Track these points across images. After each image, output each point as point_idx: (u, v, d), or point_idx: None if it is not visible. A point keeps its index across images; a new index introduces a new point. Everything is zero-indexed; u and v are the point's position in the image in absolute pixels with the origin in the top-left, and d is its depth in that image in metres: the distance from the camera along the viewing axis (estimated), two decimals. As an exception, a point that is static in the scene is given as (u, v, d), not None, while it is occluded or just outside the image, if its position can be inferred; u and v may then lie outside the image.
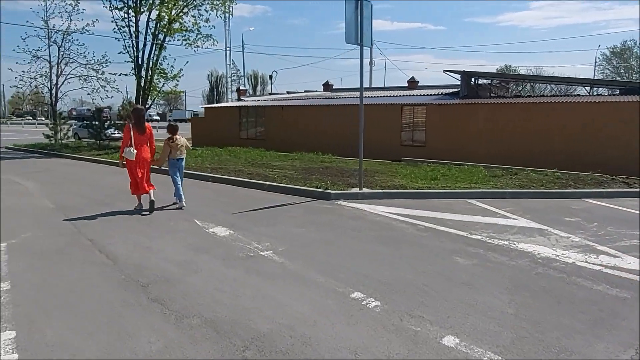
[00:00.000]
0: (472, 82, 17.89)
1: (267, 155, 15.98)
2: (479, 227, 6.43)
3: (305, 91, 28.90)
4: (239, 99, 24.39)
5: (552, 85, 23.82)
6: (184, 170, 8.42)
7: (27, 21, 43.22)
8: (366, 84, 42.01)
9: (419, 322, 3.45)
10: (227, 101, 79.16)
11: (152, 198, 7.24)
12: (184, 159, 8.05)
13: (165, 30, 21.23)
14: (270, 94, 27.07)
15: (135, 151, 7.11)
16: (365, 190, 8.93)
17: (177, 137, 7.79)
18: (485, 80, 18.98)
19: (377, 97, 19.60)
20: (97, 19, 22.90)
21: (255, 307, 3.67)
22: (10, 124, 62.52)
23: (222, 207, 7.63)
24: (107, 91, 24.99)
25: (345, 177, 10.92)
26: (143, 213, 7.18)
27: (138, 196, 7.45)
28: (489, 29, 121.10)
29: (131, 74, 21.46)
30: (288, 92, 27.44)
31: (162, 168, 8.46)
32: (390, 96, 19.09)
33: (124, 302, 3.76)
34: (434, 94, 18.17)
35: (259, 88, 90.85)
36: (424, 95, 18.47)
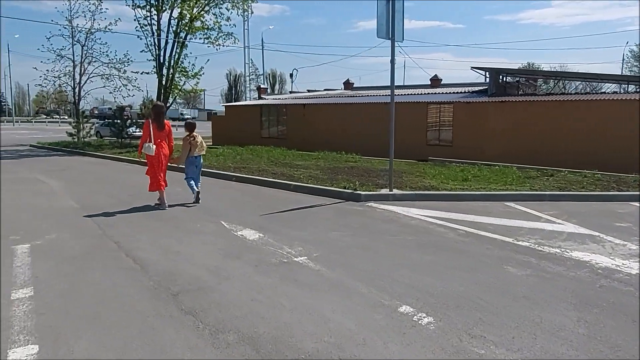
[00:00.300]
0: (501, 80, 17.29)
1: (289, 155, 15.69)
2: (524, 233, 5.99)
3: (326, 89, 28.57)
4: (259, 97, 24.20)
5: (578, 82, 22.94)
6: (202, 169, 8.36)
7: (52, 20, 43.65)
8: (387, 82, 41.35)
9: (482, 343, 3.07)
10: (246, 100, 79.49)
11: (165, 200, 7.39)
12: (202, 157, 8.04)
13: (186, 28, 21.16)
14: (290, 92, 26.82)
15: (154, 147, 7.14)
16: (396, 191, 8.55)
17: (195, 134, 7.76)
18: (511, 78, 18.36)
19: (402, 95, 19.13)
20: (119, 18, 23.00)
21: (296, 321, 3.34)
22: (35, 122, 63.85)
23: (249, 208, 7.35)
24: (129, 90, 25.13)
25: (372, 178, 10.53)
26: (160, 208, 7.30)
27: (161, 192, 7.44)
28: (510, 26, 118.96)
29: (153, 72, 21.48)
30: (309, 91, 27.15)
31: (180, 166, 8.43)
32: (414, 94, 18.60)
33: (155, 312, 3.48)
34: (460, 92, 17.63)
35: (277, 87, 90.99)
36: (449, 93, 17.94)
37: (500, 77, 17.28)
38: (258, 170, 11.57)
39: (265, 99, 23.29)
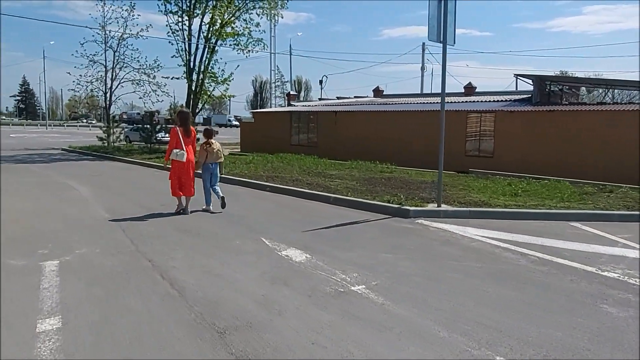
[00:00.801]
0: (546, 88, 16.36)
1: (321, 163, 15.15)
2: (605, 261, 5.22)
3: (355, 97, 28.01)
4: (288, 104, 23.82)
5: (634, 91, 21.59)
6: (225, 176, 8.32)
7: (86, 27, 44.73)
8: (417, 90, 40.53)
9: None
10: (271, 106, 79.74)
11: (183, 205, 7.40)
12: (219, 164, 7.92)
13: (217, 34, 21.02)
14: (320, 99, 26.36)
15: (185, 153, 7.13)
16: (445, 207, 7.86)
17: (213, 141, 7.72)
18: (553, 86, 17.37)
19: (437, 103, 18.37)
20: (150, 25, 23.07)
21: (372, 377, 2.73)
22: (67, 125, 65.53)
23: (289, 223, 6.80)
24: (158, 95, 25.25)
25: (413, 190, 9.85)
26: (183, 213, 7.30)
27: (179, 198, 7.44)
28: (539, 34, 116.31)
29: (183, 77, 21.40)
30: (338, 98, 26.64)
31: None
32: (449, 102, 17.82)
33: (201, 356, 2.93)
34: (499, 100, 16.77)
35: (302, 94, 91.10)
36: (487, 101, 17.10)
37: (547, 84, 16.35)
38: (292, 180, 11.05)
39: (294, 105, 22.88)
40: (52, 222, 6.60)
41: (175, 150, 7.16)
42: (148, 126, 21.42)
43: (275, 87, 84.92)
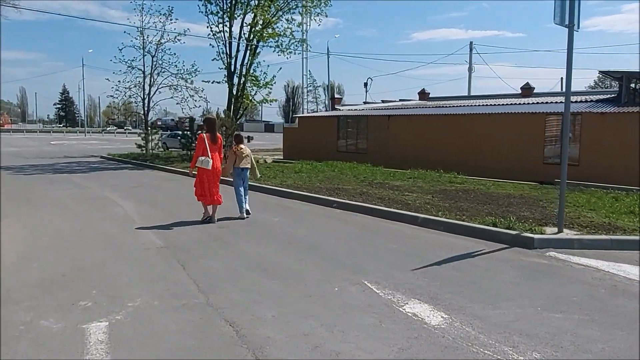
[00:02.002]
0: (633, 87, 14.31)
1: (377, 172, 13.66)
2: None
3: (400, 100, 26.41)
4: (332, 108, 22.46)
5: None
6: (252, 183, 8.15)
7: (125, 32, 44.97)
8: (464, 92, 38.35)
9: None
10: (303, 112, 78.80)
11: (210, 213, 7.15)
12: (249, 170, 7.76)
13: (258, 35, 19.94)
14: (364, 102, 24.90)
15: (211, 161, 6.99)
16: (569, 233, 6.22)
17: (243, 146, 7.62)
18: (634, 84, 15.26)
19: (502, 105, 16.60)
20: (188, 29, 22.30)
21: None
22: (104, 133, 66.62)
23: (385, 256, 5.34)
24: (195, 100, 24.58)
25: (505, 207, 8.23)
26: (208, 221, 7.01)
27: (205, 205, 7.19)
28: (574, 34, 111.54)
29: (223, 81, 20.41)
30: (383, 101, 25.12)
31: (227, 178, 8.04)
32: (525, 104, 16.00)
33: None
34: (580, 101, 14.83)
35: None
36: (553, 102, 15.23)
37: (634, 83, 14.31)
38: (358, 193, 9.60)
39: (339, 109, 21.50)
40: (94, 251, 5.39)
41: (201, 158, 6.99)
42: (188, 132, 20.47)
43: (308, 92, 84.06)
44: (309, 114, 25.97)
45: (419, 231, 6.69)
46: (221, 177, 7.41)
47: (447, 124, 15.58)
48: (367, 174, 13.43)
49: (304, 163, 16.71)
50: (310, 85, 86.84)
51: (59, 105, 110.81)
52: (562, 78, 16.23)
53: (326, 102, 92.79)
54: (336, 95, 22.68)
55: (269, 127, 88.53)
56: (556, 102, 15.31)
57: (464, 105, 17.93)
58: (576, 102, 14.68)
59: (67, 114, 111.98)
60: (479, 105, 17.47)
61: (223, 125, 16.46)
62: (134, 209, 8.26)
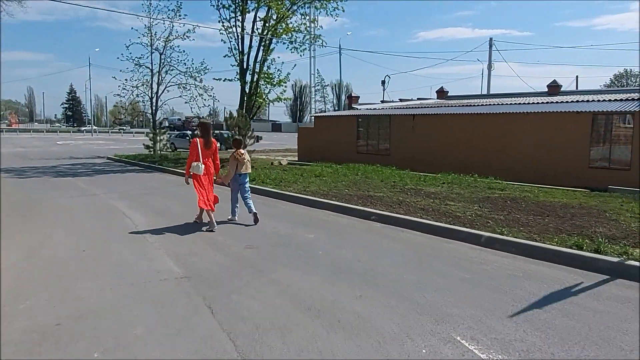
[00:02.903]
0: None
1: (406, 177, 12.55)
2: None
3: (418, 98, 25.26)
4: (349, 107, 21.34)
5: None
6: (249, 185, 7.61)
7: (132, 28, 44.19)
8: (476, 91, 36.97)
9: None
10: (311, 111, 77.59)
11: (214, 219, 6.75)
12: (248, 175, 7.49)
13: (272, 29, 18.88)
14: (382, 101, 23.76)
15: (202, 166, 6.79)
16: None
17: (243, 151, 7.33)
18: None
19: (538, 103, 15.42)
20: (198, 25, 21.32)
21: None
22: (111, 132, 65.90)
23: (465, 292, 4.21)
24: (204, 99, 23.70)
25: (571, 220, 7.08)
26: (210, 230, 6.63)
27: (202, 211, 6.97)
28: (583, 33, 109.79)
29: (235, 79, 19.37)
30: (401, 100, 23.99)
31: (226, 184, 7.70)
32: (569, 102, 14.81)
33: None
34: (615, 100, 13.64)
35: (342, 98, 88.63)
36: (599, 100, 14.02)
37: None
38: (394, 202, 8.51)
39: (356, 109, 20.38)
40: (100, 283, 4.33)
41: (194, 164, 6.77)
42: (197, 132, 19.45)
43: (316, 91, 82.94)
44: (325, 113, 24.82)
45: (486, 254, 5.57)
46: (217, 183, 7.26)
47: (477, 124, 14.42)
48: (395, 178, 12.33)
49: (323, 166, 15.63)
50: (318, 85, 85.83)
51: (66, 105, 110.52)
52: (577, 76, 15.25)
53: (334, 101, 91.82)
54: (353, 94, 21.51)
55: (276, 127, 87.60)
56: (598, 101, 14.12)
57: (492, 104, 16.75)
58: (608, 100, 13.51)
59: (74, 114, 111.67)
60: (508, 104, 16.29)
61: (237, 125, 15.42)
62: (144, 222, 7.21)
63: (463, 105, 17.34)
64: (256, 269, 4.82)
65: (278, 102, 20.88)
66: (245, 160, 7.24)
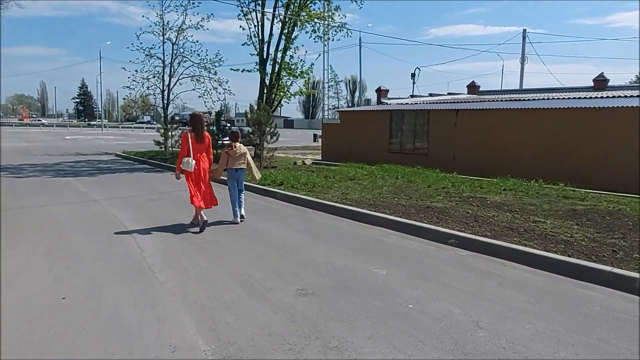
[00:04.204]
0: None
1: (456, 181, 10.72)
2: None
3: (449, 93, 23.33)
4: (378, 102, 19.49)
5: None
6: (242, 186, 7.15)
7: (143, 16, 41.93)
8: (515, 86, 34.70)
9: None
10: (324, 107, 75.66)
11: (205, 218, 6.28)
12: (244, 170, 7.05)
13: (295, 14, 17.09)
14: (411, 95, 21.87)
15: (193, 162, 6.29)
16: None
17: (238, 145, 6.93)
18: None
19: (564, 99, 13.45)
20: (212, 14, 19.66)
21: None
22: (122, 127, 64.72)
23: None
24: (219, 93, 22.09)
25: None
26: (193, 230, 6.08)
27: (197, 209, 6.34)
28: (597, 30, 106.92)
29: (255, 69, 17.64)
30: (431, 95, 22.10)
31: (221, 178, 7.59)
32: (588, 97, 12.82)
33: None
34: None
35: (357, 94, 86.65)
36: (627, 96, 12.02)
37: None
38: (468, 217, 6.72)
39: (386, 103, 18.53)
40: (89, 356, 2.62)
41: (184, 159, 6.30)
42: (214, 128, 17.76)
43: (329, 87, 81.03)
44: (354, 108, 22.96)
45: (619, 301, 3.75)
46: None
47: (533, 120, 12.46)
48: (444, 183, 10.51)
49: (353, 166, 13.84)
50: (332, 81, 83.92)
51: (78, 100, 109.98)
52: (602, 72, 13.37)
53: (347, 97, 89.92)
54: (382, 87, 19.65)
55: (288, 123, 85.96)
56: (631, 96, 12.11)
57: (549, 99, 14.80)
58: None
59: (85, 109, 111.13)
60: (534, 99, 14.34)
61: (258, 120, 13.68)
62: (152, 244, 5.49)
63: (518, 100, 15.39)
64: (325, 343, 3.05)
65: (300, 95, 19.17)
66: (238, 154, 6.81)
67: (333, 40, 17.87)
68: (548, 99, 14.87)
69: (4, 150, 21.66)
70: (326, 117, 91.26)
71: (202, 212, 6.31)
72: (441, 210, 7.30)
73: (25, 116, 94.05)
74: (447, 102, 16.10)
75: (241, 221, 6.77)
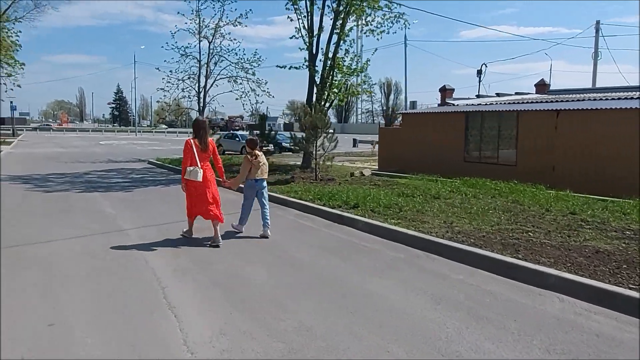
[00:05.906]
0: None
1: (577, 202, 8.19)
2: None
3: (516, 93, 20.57)
4: (442, 103, 17.02)
5: None
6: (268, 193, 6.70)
7: (178, 12, 38.34)
8: (588, 84, 31.17)
9: None
10: (357, 110, 73.08)
11: (219, 235, 5.80)
12: (265, 181, 6.48)
13: (348, 1, 14.82)
14: (477, 95, 19.28)
15: (201, 171, 5.78)
16: None
17: (259, 153, 6.43)
18: None
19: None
20: (250, 10, 17.77)
21: None
22: (155, 132, 64.35)
23: None
24: (257, 95, 20.31)
25: None
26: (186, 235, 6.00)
27: (190, 222, 6.10)
28: (633, 29, 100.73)
29: (303, 67, 15.53)
30: (497, 94, 19.44)
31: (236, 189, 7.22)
32: None
33: None
34: None
35: (392, 96, 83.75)
36: None
37: None
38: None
39: (452, 104, 16.06)
40: None
41: (188, 168, 5.76)
42: (257, 132, 15.75)
43: (362, 90, 78.49)
44: (419, 110, 20.50)
45: None
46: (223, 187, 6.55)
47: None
48: (565, 205, 8.00)
49: (426, 179, 11.48)
50: (365, 83, 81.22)
51: (113, 105, 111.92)
52: None
53: (382, 100, 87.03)
54: (447, 86, 17.15)
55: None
56: None
57: (608, 99, 11.98)
58: None
59: (120, 114, 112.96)
60: (613, 98, 11.47)
61: (314, 124, 11.52)
62: (198, 322, 3.33)
63: (619, 99, 12.63)
64: None
65: (357, 95, 16.97)
66: (261, 164, 6.38)
67: (388, 33, 15.39)
68: (608, 99, 12.05)
69: (35, 156, 20.52)
70: (360, 121, 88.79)
71: (217, 226, 5.83)
72: (620, 259, 4.86)
73: (65, 121, 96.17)
74: (538, 102, 13.45)
75: (264, 236, 6.17)
